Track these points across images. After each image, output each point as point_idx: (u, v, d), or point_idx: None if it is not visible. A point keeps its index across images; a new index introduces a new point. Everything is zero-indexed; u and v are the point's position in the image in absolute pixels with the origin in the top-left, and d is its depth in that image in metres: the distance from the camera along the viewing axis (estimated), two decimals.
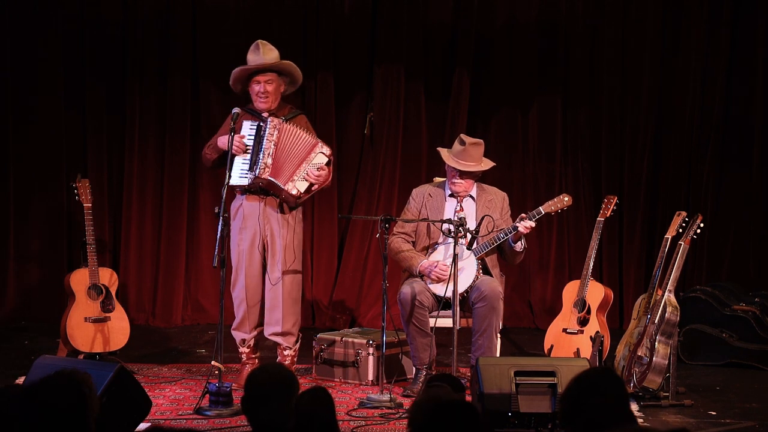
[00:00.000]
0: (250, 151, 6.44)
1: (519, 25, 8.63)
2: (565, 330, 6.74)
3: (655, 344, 6.21)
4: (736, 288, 7.69)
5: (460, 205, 6.60)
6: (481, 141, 6.62)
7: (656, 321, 6.24)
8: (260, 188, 6.51)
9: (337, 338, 6.83)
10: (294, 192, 6.49)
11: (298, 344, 6.69)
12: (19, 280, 8.50)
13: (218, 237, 6.07)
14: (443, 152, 6.61)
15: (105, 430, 4.27)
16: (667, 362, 6.22)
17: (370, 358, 6.69)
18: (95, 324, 6.84)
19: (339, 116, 8.65)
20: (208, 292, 8.60)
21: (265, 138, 6.44)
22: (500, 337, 6.59)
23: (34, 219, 8.51)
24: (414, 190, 6.79)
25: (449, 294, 6.18)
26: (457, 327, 6.11)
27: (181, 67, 8.53)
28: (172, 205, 8.59)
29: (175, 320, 8.57)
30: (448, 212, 6.58)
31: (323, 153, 6.55)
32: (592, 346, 6.43)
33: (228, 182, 6.29)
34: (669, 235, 6.46)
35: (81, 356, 6.74)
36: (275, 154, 6.45)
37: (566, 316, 6.76)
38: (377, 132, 8.69)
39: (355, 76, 8.68)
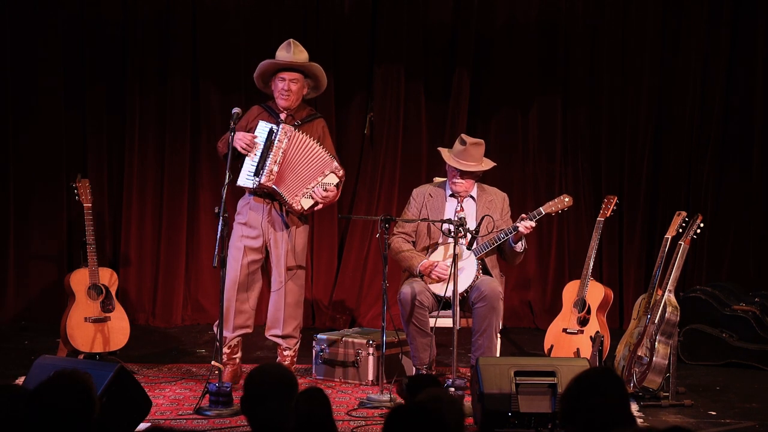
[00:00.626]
0: (258, 153, 6.43)
1: (519, 25, 8.63)
2: (565, 330, 6.74)
3: (655, 344, 6.20)
4: (736, 288, 7.68)
5: (461, 205, 6.60)
6: (482, 141, 6.61)
7: (656, 321, 6.24)
8: (266, 193, 6.51)
9: (337, 338, 6.84)
10: (297, 207, 6.47)
11: (298, 344, 6.69)
12: (19, 280, 8.49)
13: (218, 237, 6.05)
14: (444, 152, 6.61)
15: (105, 430, 4.28)
16: (667, 362, 6.21)
17: (370, 358, 6.69)
18: (95, 324, 6.84)
19: (339, 116, 8.64)
20: (208, 292, 8.60)
21: (275, 144, 6.41)
22: (500, 337, 6.58)
23: (34, 219, 8.50)
24: (414, 190, 6.78)
25: (449, 294, 6.17)
26: (457, 327, 6.10)
27: (181, 67, 8.53)
28: (172, 205, 8.59)
29: (175, 320, 8.56)
30: (449, 212, 6.58)
31: (335, 174, 6.51)
32: (592, 346, 6.42)
33: (228, 182, 6.28)
34: (669, 235, 6.46)
35: (81, 356, 6.73)
36: (282, 163, 6.41)
37: (566, 316, 6.76)
38: (377, 132, 8.69)
39: (355, 76, 8.68)
